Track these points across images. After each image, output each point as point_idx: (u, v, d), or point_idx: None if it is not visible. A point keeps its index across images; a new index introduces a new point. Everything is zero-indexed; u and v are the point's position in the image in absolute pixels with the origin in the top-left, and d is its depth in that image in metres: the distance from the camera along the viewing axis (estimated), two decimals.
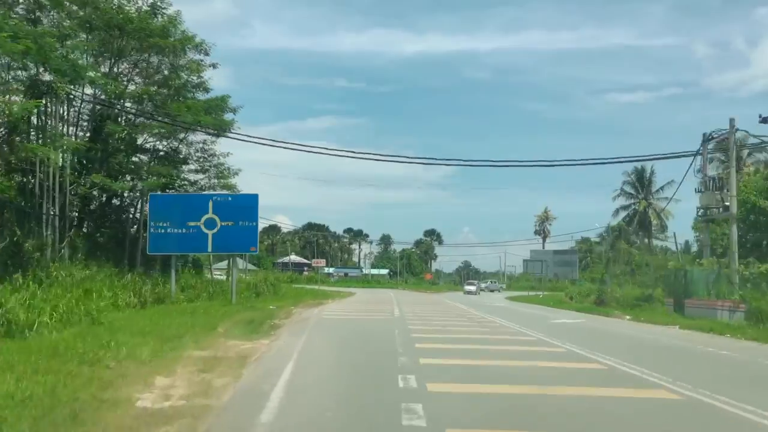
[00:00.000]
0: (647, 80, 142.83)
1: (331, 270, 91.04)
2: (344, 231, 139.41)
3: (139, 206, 25.48)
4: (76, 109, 22.72)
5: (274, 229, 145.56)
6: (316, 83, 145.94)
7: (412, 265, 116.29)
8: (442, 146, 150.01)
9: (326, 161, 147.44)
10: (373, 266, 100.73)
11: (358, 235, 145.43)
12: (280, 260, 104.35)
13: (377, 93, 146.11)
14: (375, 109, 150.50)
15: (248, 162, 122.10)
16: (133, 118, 24.35)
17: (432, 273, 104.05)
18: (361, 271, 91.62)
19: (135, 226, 25.47)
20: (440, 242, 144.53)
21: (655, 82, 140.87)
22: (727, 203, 23.66)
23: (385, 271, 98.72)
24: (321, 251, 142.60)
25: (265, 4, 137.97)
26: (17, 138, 18.30)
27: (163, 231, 21.64)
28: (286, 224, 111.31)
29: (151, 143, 25.83)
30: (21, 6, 20.14)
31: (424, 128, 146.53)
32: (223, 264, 43.87)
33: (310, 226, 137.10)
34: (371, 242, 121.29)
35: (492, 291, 66.63)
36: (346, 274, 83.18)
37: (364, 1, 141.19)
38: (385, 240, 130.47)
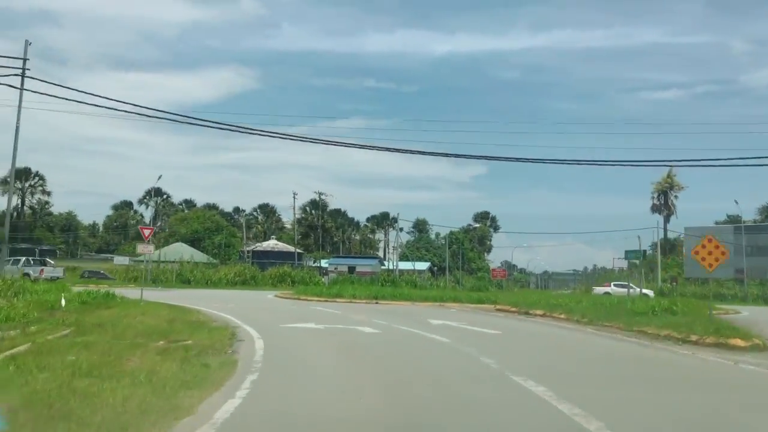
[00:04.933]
0: (681, 78, 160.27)
1: (324, 263, 67.41)
2: (367, 220, 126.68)
3: None
4: None
5: (267, 211, 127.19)
6: (344, 84, 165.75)
7: (465, 257, 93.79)
8: (471, 146, 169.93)
9: (355, 162, 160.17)
10: (403, 258, 76.81)
11: (383, 220, 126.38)
12: (254, 247, 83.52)
13: (406, 93, 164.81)
14: (404, 110, 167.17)
15: (277, 162, 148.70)
16: None
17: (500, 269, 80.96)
18: (381, 264, 67.31)
19: None
20: (496, 229, 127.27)
21: (689, 80, 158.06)
22: None
23: (423, 265, 74.71)
24: (331, 241, 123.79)
25: (293, 5, 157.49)
26: None
27: None
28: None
29: None
30: None
31: (452, 128, 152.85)
32: None
33: (314, 205, 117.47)
34: (401, 229, 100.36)
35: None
36: (351, 270, 58.46)
37: (393, 1, 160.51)
38: (420, 226, 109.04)
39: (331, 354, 10.74)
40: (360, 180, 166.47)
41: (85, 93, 25.07)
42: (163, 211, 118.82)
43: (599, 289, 55.95)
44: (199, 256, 68.64)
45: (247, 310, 21.45)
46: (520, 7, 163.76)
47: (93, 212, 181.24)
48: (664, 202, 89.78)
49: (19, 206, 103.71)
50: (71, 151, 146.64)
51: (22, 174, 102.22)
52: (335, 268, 59.68)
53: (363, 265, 61.72)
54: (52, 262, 45.76)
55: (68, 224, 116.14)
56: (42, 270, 37.91)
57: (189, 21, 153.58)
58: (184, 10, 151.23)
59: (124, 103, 21.25)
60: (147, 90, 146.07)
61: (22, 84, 26.65)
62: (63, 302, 17.72)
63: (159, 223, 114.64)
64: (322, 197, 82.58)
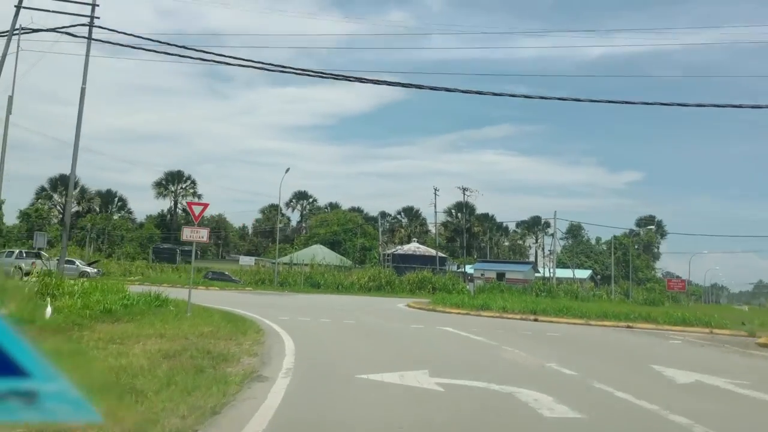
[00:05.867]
0: None
1: (470, 269, 58.98)
2: (516, 225, 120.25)
3: None
4: None
5: (411, 215, 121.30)
6: (493, 91, 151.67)
7: (630, 264, 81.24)
8: (627, 151, 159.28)
9: (503, 170, 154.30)
10: (560, 264, 66.27)
11: (534, 225, 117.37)
12: (394, 250, 76.92)
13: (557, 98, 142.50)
14: (554, 115, 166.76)
15: (425, 170, 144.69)
16: None
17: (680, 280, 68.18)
18: (535, 270, 57.61)
19: None
20: (663, 234, 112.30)
21: None
22: None
23: (583, 273, 64.61)
24: (478, 247, 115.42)
25: (443, 15, 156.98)
26: None
27: None
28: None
29: None
30: None
31: (606, 133, 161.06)
32: None
33: (459, 207, 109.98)
34: (551, 235, 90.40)
35: None
36: (500, 276, 49.54)
37: (545, 5, 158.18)
38: (575, 231, 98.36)
39: None
40: (508, 187, 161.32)
41: (156, 41, 19.27)
42: (309, 214, 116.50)
43: None
44: (332, 258, 63.01)
45: (337, 331, 14.01)
46: (682, 4, 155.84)
47: (244, 216, 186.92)
48: None
49: (172, 208, 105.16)
50: (235, 162, 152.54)
51: (175, 177, 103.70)
52: (482, 274, 51.18)
53: (514, 272, 52.72)
54: (47, 255, 42.15)
55: (218, 227, 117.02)
56: (34, 263, 34.19)
57: (343, 35, 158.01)
58: (338, 25, 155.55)
59: (188, 48, 14.84)
60: (302, 103, 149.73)
61: (90, 33, 21.25)
62: (48, 311, 11.25)
63: (303, 225, 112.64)
64: (467, 194, 74.12)
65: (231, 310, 17.10)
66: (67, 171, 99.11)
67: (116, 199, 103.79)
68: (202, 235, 14.36)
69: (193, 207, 14.82)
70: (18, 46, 19.33)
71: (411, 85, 17.63)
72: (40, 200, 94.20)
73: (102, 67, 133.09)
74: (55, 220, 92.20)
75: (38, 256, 38.31)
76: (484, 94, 17.07)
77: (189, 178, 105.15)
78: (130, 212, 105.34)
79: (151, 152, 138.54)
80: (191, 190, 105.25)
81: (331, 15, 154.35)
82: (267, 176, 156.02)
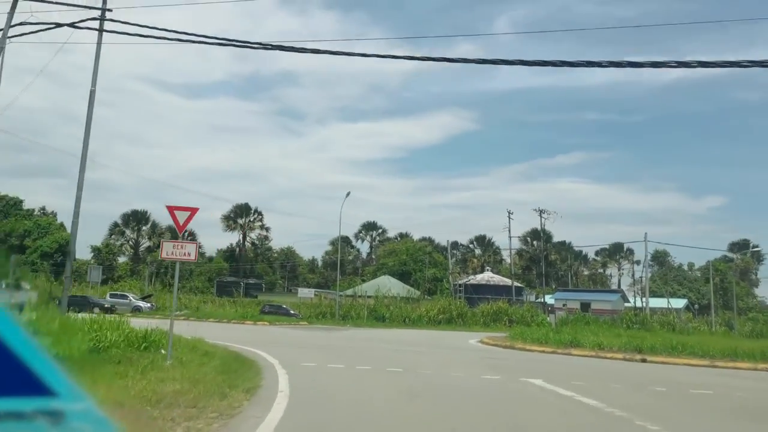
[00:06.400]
0: None
1: (549, 299, 54.43)
2: (596, 253, 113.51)
3: None
4: None
5: (483, 243, 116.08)
6: (564, 118, 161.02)
7: (732, 292, 73.25)
8: (709, 176, 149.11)
9: (577, 198, 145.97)
10: (650, 292, 59.65)
11: (615, 253, 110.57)
12: (467, 280, 72.01)
13: (631, 123, 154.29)
14: (629, 141, 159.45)
15: (497, 200, 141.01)
16: None
17: None
18: (624, 299, 51.46)
19: None
20: (759, 259, 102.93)
21: None
22: None
23: (679, 302, 57.62)
24: (556, 276, 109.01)
25: (511, 45, 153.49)
26: None
27: None
28: None
29: None
30: None
31: (686, 158, 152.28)
32: None
33: (534, 234, 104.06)
34: (639, 261, 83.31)
35: None
36: (584, 307, 43.56)
37: (616, 31, 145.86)
38: (660, 258, 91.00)
39: None
40: (584, 215, 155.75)
41: (166, 30, 16.21)
42: (378, 245, 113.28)
43: None
44: (399, 289, 58.78)
45: (368, 390, 9.79)
46: (763, 23, 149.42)
47: (315, 248, 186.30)
48: None
49: (240, 241, 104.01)
50: (308, 197, 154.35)
51: (242, 210, 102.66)
52: (564, 305, 45.68)
53: (600, 302, 46.93)
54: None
55: (287, 259, 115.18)
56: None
57: (412, 69, 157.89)
58: (407, 61, 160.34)
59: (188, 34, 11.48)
60: (373, 137, 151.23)
61: (101, 25, 18.29)
62: None
63: (372, 257, 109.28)
64: (545, 216, 67.64)
65: (250, 352, 13.18)
66: (141, 207, 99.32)
67: (186, 233, 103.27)
68: (189, 251, 10.54)
69: (176, 213, 10.69)
70: (5, 38, 16.41)
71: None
72: (113, 236, 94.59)
73: (178, 108, 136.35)
74: (123, 258, 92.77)
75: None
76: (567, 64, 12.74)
77: (256, 210, 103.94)
78: (199, 246, 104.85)
79: (228, 189, 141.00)
80: (258, 223, 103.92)
81: (401, 52, 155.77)
82: (339, 209, 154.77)
